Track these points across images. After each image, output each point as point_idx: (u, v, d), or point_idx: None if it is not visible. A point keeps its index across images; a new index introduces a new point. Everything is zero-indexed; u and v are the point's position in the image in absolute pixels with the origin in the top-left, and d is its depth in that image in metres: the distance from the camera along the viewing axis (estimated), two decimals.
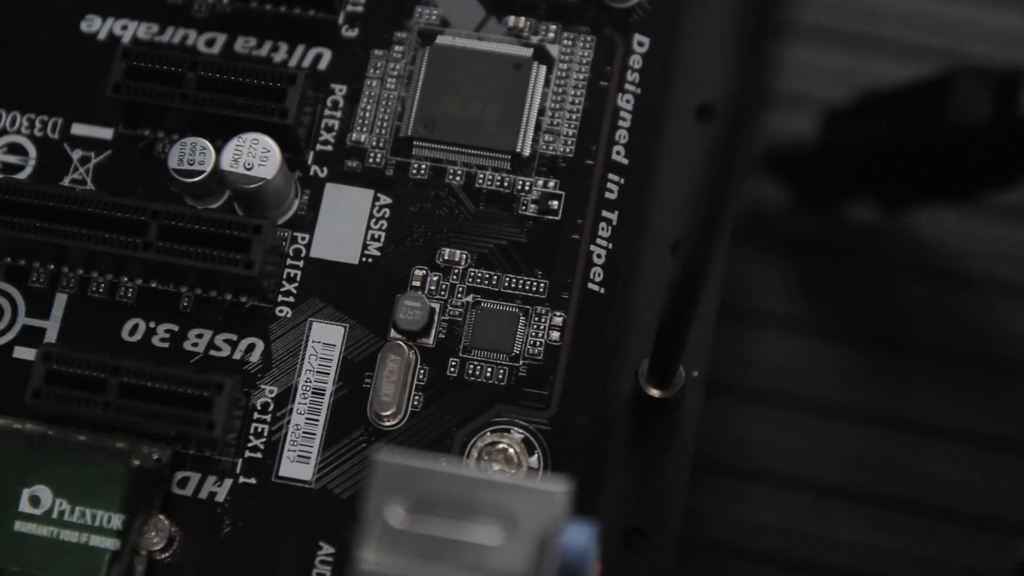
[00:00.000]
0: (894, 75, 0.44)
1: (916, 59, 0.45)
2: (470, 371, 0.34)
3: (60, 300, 0.35)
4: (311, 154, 0.35)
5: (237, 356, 0.34)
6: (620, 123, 0.36)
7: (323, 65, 0.36)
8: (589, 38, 0.36)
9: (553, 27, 0.36)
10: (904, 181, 0.42)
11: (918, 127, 0.41)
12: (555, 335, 0.34)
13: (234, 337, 0.34)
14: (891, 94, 0.42)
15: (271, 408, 0.34)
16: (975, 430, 0.43)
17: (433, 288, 0.34)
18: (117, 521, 0.33)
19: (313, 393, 0.34)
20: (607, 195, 0.35)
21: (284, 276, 0.35)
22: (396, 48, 0.36)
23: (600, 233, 0.35)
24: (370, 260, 0.35)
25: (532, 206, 0.35)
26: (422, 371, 0.34)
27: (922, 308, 0.44)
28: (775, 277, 0.44)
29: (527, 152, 0.35)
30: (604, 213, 0.35)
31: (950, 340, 0.43)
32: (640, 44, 0.36)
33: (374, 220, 0.35)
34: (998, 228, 0.44)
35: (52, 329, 0.35)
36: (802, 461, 0.43)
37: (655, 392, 0.34)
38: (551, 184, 0.35)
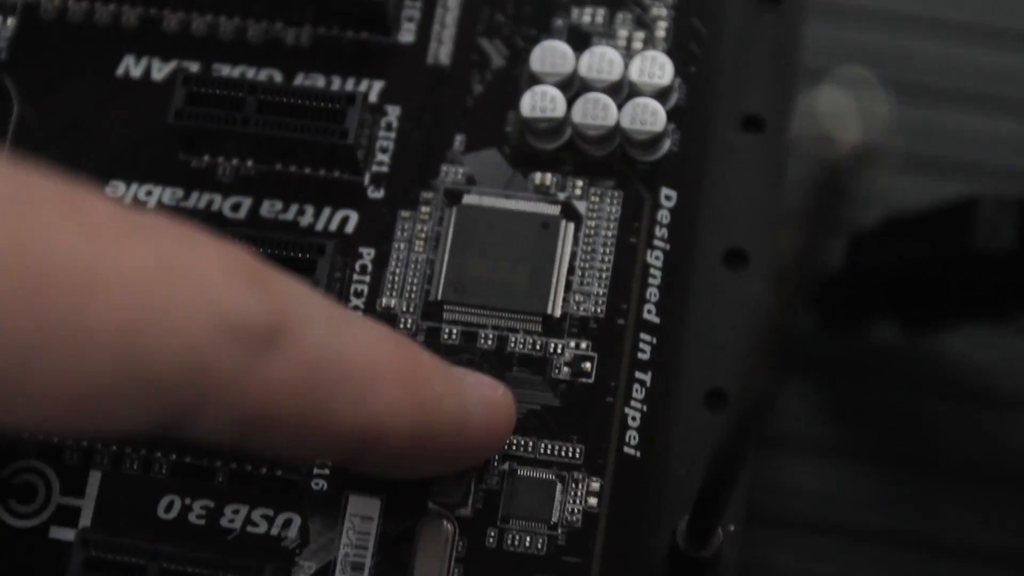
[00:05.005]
0: (918, 192, 0.43)
1: (938, 175, 0.45)
2: (509, 541, 0.34)
3: (94, 478, 0.35)
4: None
5: (275, 532, 0.34)
6: (650, 280, 0.35)
7: (350, 228, 0.36)
8: (616, 193, 0.36)
9: (580, 183, 0.36)
10: (932, 303, 0.42)
11: (943, 251, 0.41)
12: (592, 501, 0.34)
13: (271, 512, 0.34)
14: (916, 217, 0.42)
15: None
16: (1010, 550, 0.42)
17: None
18: None
19: (352, 568, 0.34)
20: (640, 355, 0.35)
21: None
22: (423, 209, 0.36)
23: (634, 395, 0.35)
24: None
25: (565, 369, 0.35)
26: (460, 543, 0.34)
27: (953, 427, 0.43)
28: (801, 401, 0.44)
29: (558, 313, 0.35)
30: (637, 374, 0.35)
31: (982, 459, 0.43)
32: (667, 198, 0.36)
33: None
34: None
35: (87, 508, 0.34)
36: None
37: (693, 553, 0.34)
38: (583, 346, 0.35)
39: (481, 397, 0.33)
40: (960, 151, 0.46)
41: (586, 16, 0.37)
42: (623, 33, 0.37)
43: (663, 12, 0.37)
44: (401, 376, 0.30)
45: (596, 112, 0.36)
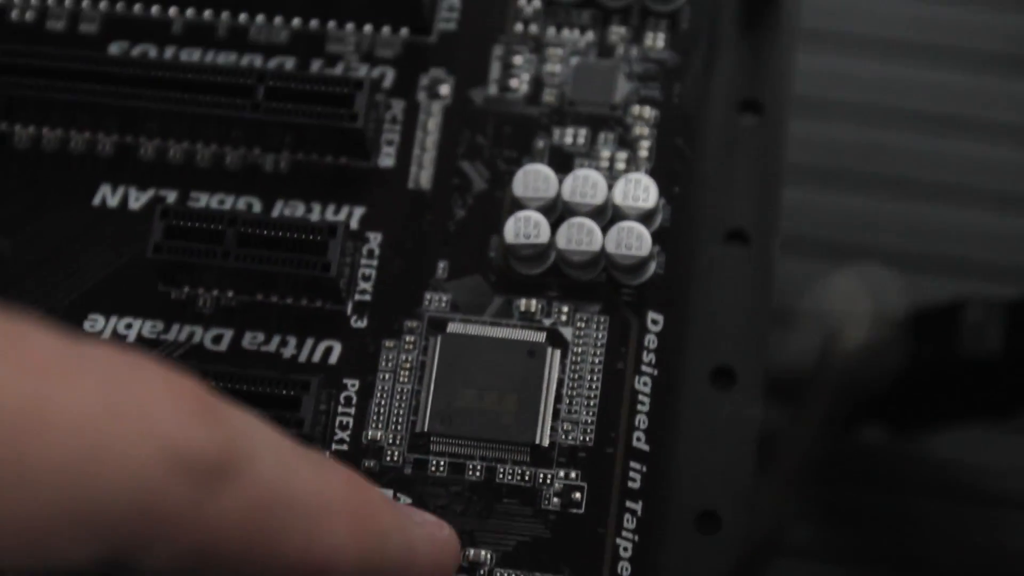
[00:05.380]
0: (904, 289, 0.43)
1: (923, 271, 0.45)
2: None
3: None
4: (327, 455, 0.35)
5: None
6: (639, 407, 0.35)
7: (333, 359, 0.36)
8: (602, 318, 0.36)
9: (565, 308, 0.36)
10: (921, 405, 0.42)
11: (931, 355, 0.41)
12: None
13: None
14: (905, 321, 0.42)
15: None
16: None
17: None
18: None
19: None
20: (630, 484, 0.35)
21: None
22: (407, 338, 0.36)
23: (625, 525, 0.34)
24: None
25: (555, 500, 0.34)
26: None
27: (944, 527, 0.43)
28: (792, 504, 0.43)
29: (546, 443, 0.35)
30: (628, 504, 0.34)
31: (974, 559, 0.43)
32: (654, 322, 0.36)
33: None
34: (1013, 444, 0.44)
35: None
36: None
37: None
38: (573, 475, 0.35)
39: (427, 535, 0.33)
40: (945, 246, 0.46)
41: (568, 137, 0.37)
42: (605, 154, 0.37)
43: (645, 131, 0.37)
44: (349, 511, 0.30)
45: (580, 238, 0.35)
